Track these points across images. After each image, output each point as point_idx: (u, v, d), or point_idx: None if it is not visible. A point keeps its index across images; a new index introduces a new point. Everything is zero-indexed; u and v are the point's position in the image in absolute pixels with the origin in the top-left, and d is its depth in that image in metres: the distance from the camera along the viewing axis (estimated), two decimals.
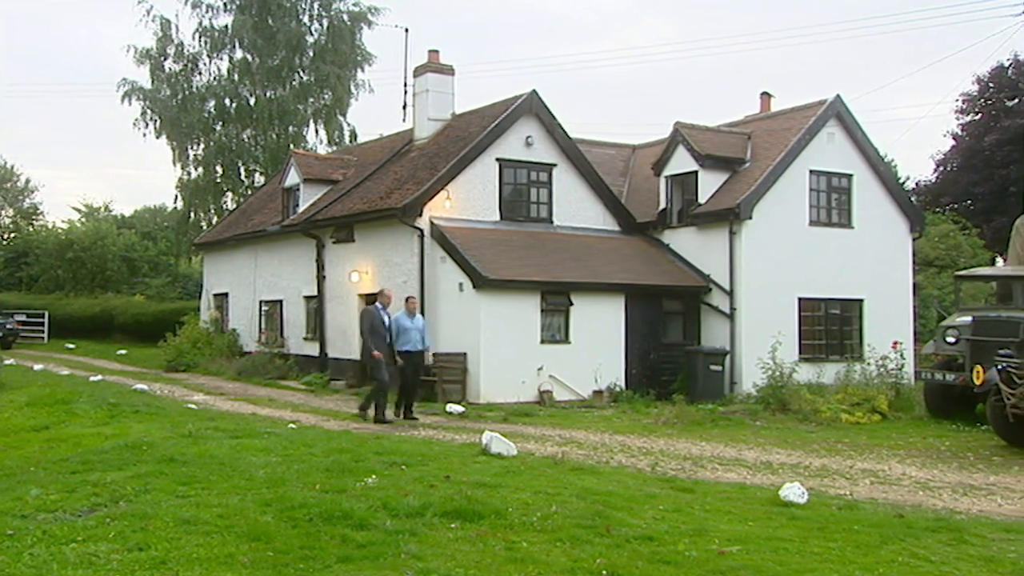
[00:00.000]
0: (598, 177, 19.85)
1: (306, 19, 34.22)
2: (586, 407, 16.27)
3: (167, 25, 33.83)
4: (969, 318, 14.49)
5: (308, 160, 24.01)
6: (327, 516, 5.93)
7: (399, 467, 8.06)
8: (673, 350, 18.08)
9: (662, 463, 9.97)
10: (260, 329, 23.46)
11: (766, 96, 22.16)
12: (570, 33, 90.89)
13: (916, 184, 35.23)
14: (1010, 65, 31.97)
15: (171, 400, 15.46)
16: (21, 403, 13.66)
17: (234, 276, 25.16)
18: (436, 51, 20.98)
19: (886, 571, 5.41)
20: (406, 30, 27.59)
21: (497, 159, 18.57)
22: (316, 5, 34.18)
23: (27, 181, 48.59)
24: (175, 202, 36.19)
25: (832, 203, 19.35)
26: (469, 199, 18.23)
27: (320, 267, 20.78)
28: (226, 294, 25.70)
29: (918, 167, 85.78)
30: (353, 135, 34.90)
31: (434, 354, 17.19)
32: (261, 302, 23.67)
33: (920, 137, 66.65)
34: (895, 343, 17.28)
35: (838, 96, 19.40)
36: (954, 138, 34.15)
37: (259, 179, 34.10)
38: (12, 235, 46.52)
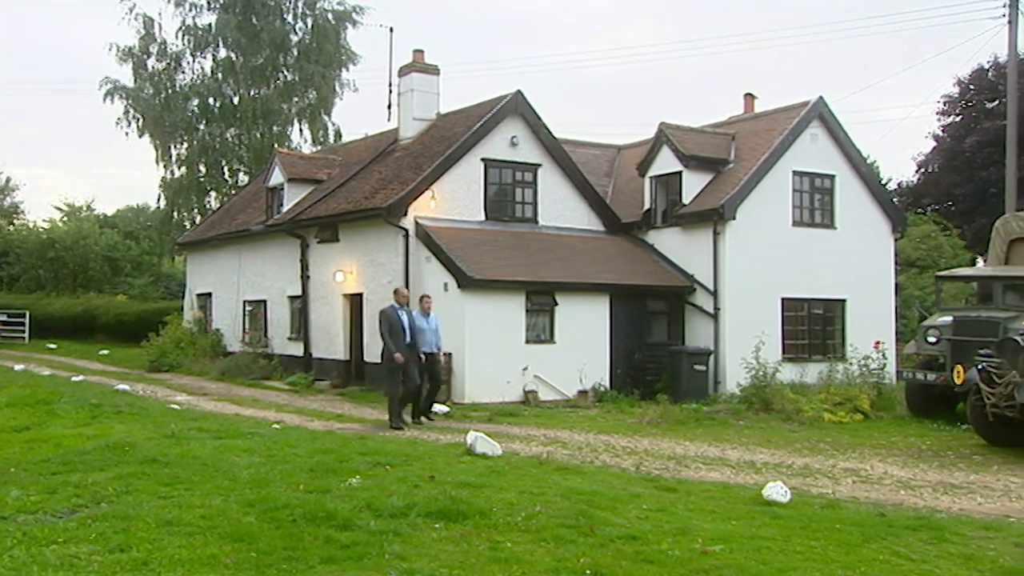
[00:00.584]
0: (583, 177, 19.89)
1: (290, 18, 34.13)
2: (571, 407, 16.30)
3: (150, 23, 33.65)
4: (950, 318, 14.62)
5: (292, 159, 23.92)
6: (311, 517, 5.91)
7: (383, 467, 8.05)
8: (657, 350, 18.14)
9: (646, 463, 10.01)
10: (244, 329, 23.36)
11: (749, 97, 22.26)
12: (557, 33, 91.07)
13: (898, 185, 35.49)
14: (990, 68, 32.25)
15: (154, 400, 15.37)
16: (1, 404, 13.54)
17: (218, 276, 25.03)
18: (421, 51, 20.97)
19: (867, 569, 5.45)
20: (391, 29, 27.57)
21: (482, 159, 18.57)
22: (300, 4, 34.09)
23: (7, 180, 48.18)
24: (158, 201, 36.02)
25: (815, 204, 19.47)
26: (454, 199, 18.22)
27: (304, 267, 20.71)
28: (209, 294, 25.57)
29: (900, 168, 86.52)
30: (338, 134, 34.83)
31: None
32: (245, 302, 23.56)
33: (902, 138, 67.27)
34: (877, 343, 17.41)
35: (821, 97, 19.53)
36: (935, 139, 34.43)
37: (243, 178, 33.96)
38: None
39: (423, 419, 13.45)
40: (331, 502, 6.31)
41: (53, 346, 31.30)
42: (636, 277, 18.51)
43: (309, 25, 34.05)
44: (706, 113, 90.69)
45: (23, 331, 33.96)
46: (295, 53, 33.91)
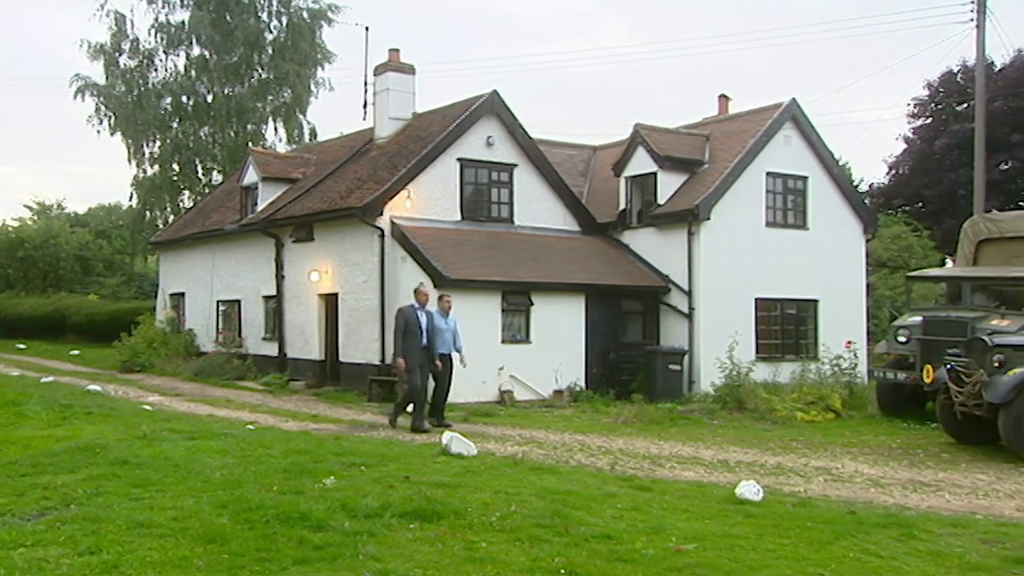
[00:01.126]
0: (559, 177, 19.94)
1: (265, 16, 33.91)
2: (546, 407, 16.33)
3: (121, 20, 33.29)
4: (919, 318, 14.83)
5: (267, 158, 23.78)
6: (284, 518, 5.88)
7: (358, 468, 8.02)
8: (633, 350, 18.23)
9: (621, 462, 10.05)
10: (217, 329, 23.18)
11: (724, 98, 22.43)
12: (533, 33, 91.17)
13: (869, 186, 35.88)
14: (959, 71, 32.71)
15: (125, 401, 15.20)
16: None
17: (191, 275, 24.82)
18: (397, 50, 20.91)
19: (838, 567, 5.50)
20: (366, 28, 27.49)
21: (458, 159, 18.56)
22: (275, 2, 33.89)
23: None
24: (130, 200, 35.63)
25: (788, 205, 19.65)
26: (430, 199, 18.20)
27: (279, 267, 20.59)
28: (182, 294, 25.35)
29: (872, 170, 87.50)
30: (313, 133, 34.65)
31: (394, 354, 17.12)
32: (219, 302, 23.38)
33: (874, 140, 68.07)
34: (848, 343, 17.61)
35: (794, 99, 19.72)
36: (906, 142, 34.86)
37: (217, 177, 33.69)
38: None
39: (433, 423, 12.73)
40: (305, 503, 6.28)
41: (23, 346, 30.84)
42: (611, 277, 18.58)
43: (284, 23, 33.85)
44: (681, 114, 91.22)
45: None
46: (270, 51, 33.69)
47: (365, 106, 25.26)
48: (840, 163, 24.23)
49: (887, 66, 58.82)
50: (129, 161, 34.00)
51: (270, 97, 34.18)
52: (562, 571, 5.14)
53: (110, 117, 33.35)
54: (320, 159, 23.37)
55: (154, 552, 5.14)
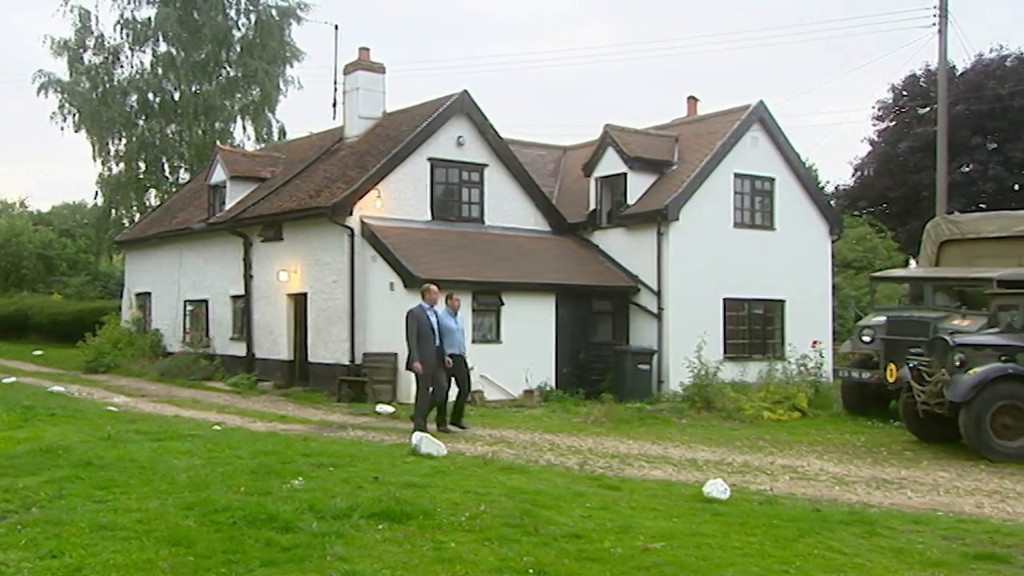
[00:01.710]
0: (529, 178, 19.98)
1: (233, 13, 33.51)
2: (517, 406, 16.35)
3: (86, 16, 32.77)
4: (883, 318, 15.06)
5: (235, 157, 23.57)
6: (251, 519, 5.84)
7: (327, 468, 7.98)
8: (603, 349, 18.31)
9: (590, 461, 10.10)
10: (185, 329, 22.93)
11: (692, 100, 22.62)
12: (504, 34, 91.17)
13: (835, 188, 36.33)
14: (922, 75, 33.24)
15: (90, 402, 14.99)
16: None
17: (157, 275, 24.53)
18: (367, 49, 20.83)
19: (803, 564, 5.57)
20: (336, 27, 27.40)
21: (428, 158, 18.53)
22: None
23: None
24: (95, 198, 35.15)
25: (755, 206, 19.85)
26: (400, 198, 18.14)
27: (247, 266, 20.42)
28: (149, 293, 25.04)
29: (837, 171, 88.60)
30: (282, 132, 34.36)
31: (364, 354, 17.09)
32: (186, 301, 23.13)
33: (840, 142, 68.93)
34: (814, 342, 17.83)
35: (761, 101, 19.92)
36: (871, 144, 35.33)
37: (184, 176, 33.30)
38: None
39: (452, 427, 12.44)
40: (272, 504, 6.24)
41: None
42: (582, 277, 18.65)
43: (252, 21, 33.51)
44: (650, 115, 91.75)
45: None
46: (238, 49, 33.31)
47: (335, 105, 25.12)
48: (806, 165, 24.57)
49: (852, 69, 59.66)
50: (94, 159, 33.47)
51: (238, 95, 33.82)
52: (531, 571, 5.16)
53: (74, 114, 32.80)
54: (289, 158, 23.21)
55: (118, 555, 5.08)
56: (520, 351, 17.22)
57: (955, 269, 15.53)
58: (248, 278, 20.39)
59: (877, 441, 12.50)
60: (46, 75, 32.78)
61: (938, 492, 8.79)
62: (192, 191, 26.19)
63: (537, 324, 17.64)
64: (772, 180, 19.95)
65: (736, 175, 19.42)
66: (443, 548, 5.52)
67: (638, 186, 19.35)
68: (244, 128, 34.47)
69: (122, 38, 33.04)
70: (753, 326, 19.60)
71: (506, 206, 19.47)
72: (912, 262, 27.85)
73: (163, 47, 33.14)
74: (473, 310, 16.92)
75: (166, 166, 34.26)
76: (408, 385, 16.19)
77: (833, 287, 21.45)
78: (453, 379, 12.55)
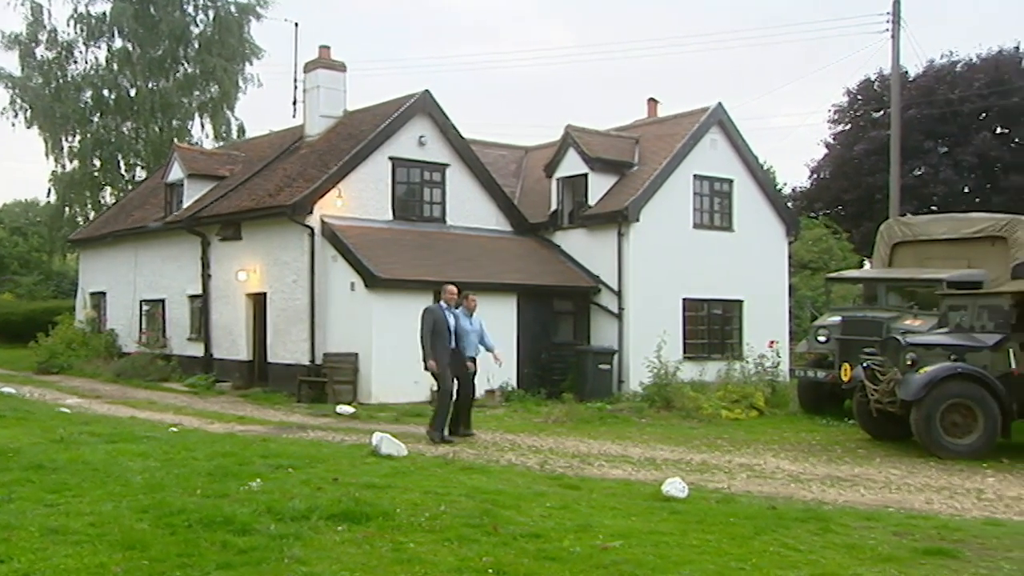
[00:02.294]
0: (491, 178, 20.00)
1: (191, 9, 33.08)
2: (478, 406, 16.27)
3: (38, 10, 32.13)
4: (838, 318, 15.31)
5: (193, 155, 23.30)
6: (207, 522, 5.76)
7: (285, 470, 7.91)
8: (564, 349, 18.38)
9: (551, 461, 10.14)
10: (141, 329, 22.59)
11: (653, 102, 22.81)
12: (467, 34, 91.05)
13: (792, 190, 36.87)
14: (876, 80, 33.89)
15: (42, 404, 14.68)
16: None
17: (113, 274, 24.12)
18: (327, 47, 20.69)
19: (758, 561, 5.64)
20: (296, 24, 27.23)
21: (390, 158, 18.46)
22: None
23: None
24: (48, 196, 34.40)
25: (714, 207, 20.08)
26: (361, 198, 18.05)
27: (205, 265, 20.18)
28: (104, 293, 24.63)
29: (794, 173, 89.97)
30: (241, 130, 33.99)
31: (324, 354, 16.98)
32: (142, 301, 22.79)
33: (797, 145, 69.99)
34: (771, 342, 18.06)
35: (720, 104, 20.15)
36: (827, 147, 35.93)
37: (140, 174, 32.81)
38: None
39: (452, 435, 11.81)
40: (229, 506, 6.17)
41: None
42: (543, 277, 18.71)
43: (211, 17, 33.09)
44: (611, 116, 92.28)
45: None
46: (196, 45, 32.89)
47: (295, 103, 24.95)
48: (764, 167, 24.86)
49: (809, 73, 60.64)
50: (47, 156, 32.84)
51: (196, 92, 33.38)
52: (490, 570, 5.16)
53: (26, 110, 32.14)
54: (248, 156, 22.98)
55: (69, 560, 4.98)
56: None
57: (907, 270, 15.83)
58: (206, 277, 20.15)
59: (832, 439, 12.70)
60: None
61: (890, 489, 8.95)
62: (148, 189, 25.83)
63: (499, 324, 17.56)
64: (731, 182, 20.19)
65: (695, 176, 19.62)
66: (402, 549, 5.51)
67: (599, 187, 19.46)
68: (202, 126, 34.10)
69: (76, 33, 32.48)
70: (712, 326, 19.83)
71: (468, 206, 19.47)
72: (866, 263, 28.36)
73: (118, 43, 32.62)
74: None
75: (122, 164, 33.71)
76: (368, 385, 16.19)
77: (790, 288, 21.77)
78: (462, 384, 11.95)
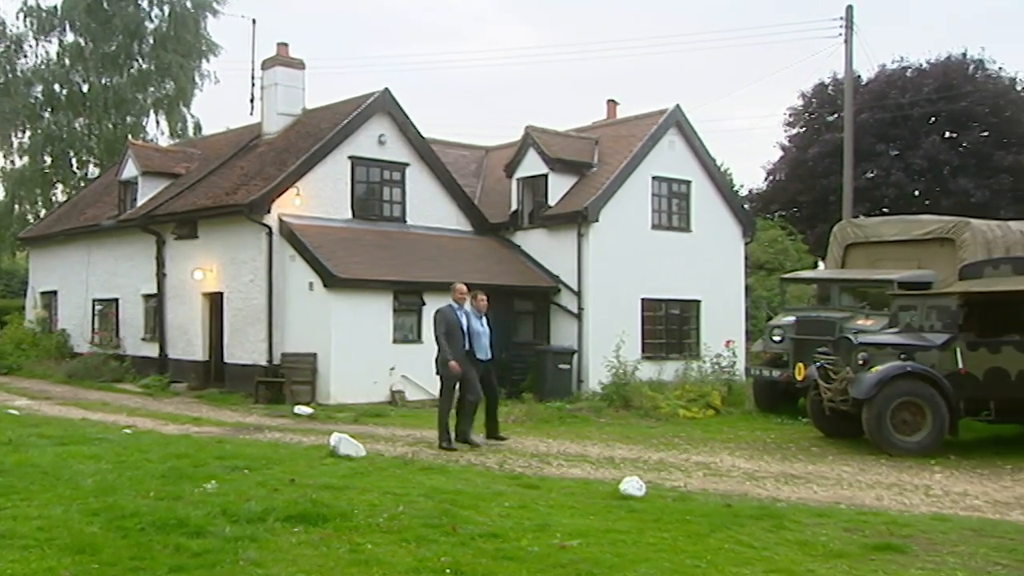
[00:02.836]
0: (451, 177, 19.97)
1: (145, 4, 32.53)
2: (435, 406, 16.29)
3: None
4: (793, 318, 15.53)
5: (147, 152, 22.94)
6: (160, 524, 5.69)
7: (242, 471, 7.84)
8: (524, 349, 18.42)
9: (510, 461, 10.16)
10: (93, 329, 22.19)
11: (612, 103, 22.98)
12: (427, 33, 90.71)
13: (749, 191, 37.34)
14: (830, 83, 34.48)
15: None
16: None
17: (64, 273, 23.64)
18: (285, 44, 20.50)
19: (713, 558, 5.71)
20: (253, 21, 26.94)
21: (349, 157, 18.35)
22: None
23: None
24: None
25: (672, 208, 20.27)
26: (320, 197, 17.91)
27: (160, 264, 19.87)
28: (55, 292, 24.12)
29: (751, 175, 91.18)
30: (197, 127, 33.50)
31: (282, 354, 16.83)
32: (95, 301, 22.37)
33: (753, 147, 70.95)
34: (728, 342, 18.30)
35: (677, 106, 20.34)
36: (782, 149, 36.42)
37: (93, 171, 32.20)
38: None
39: (476, 439, 11.35)
40: (183, 508, 6.10)
41: None
42: (503, 277, 18.73)
43: (166, 12, 32.56)
44: (571, 117, 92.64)
45: None
46: (151, 41, 32.35)
47: (252, 101, 24.66)
48: (721, 168, 25.19)
49: (765, 76, 61.52)
50: None
51: (151, 88, 32.84)
52: (448, 570, 5.17)
53: None
54: (205, 154, 22.68)
55: (16, 564, 4.88)
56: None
57: (859, 271, 16.10)
58: (161, 277, 19.85)
59: (786, 437, 12.89)
60: None
61: (841, 486, 9.11)
62: (102, 187, 25.36)
63: None
64: (688, 183, 20.40)
65: (654, 178, 19.80)
66: (360, 550, 5.49)
67: (559, 187, 19.55)
68: (157, 123, 33.57)
69: (26, 26, 31.84)
70: (670, 326, 20.01)
71: (428, 206, 19.42)
72: (821, 264, 28.85)
73: (70, 37, 32.02)
74: (394, 310, 16.85)
75: (74, 160, 33.10)
76: (326, 385, 16.08)
77: (746, 288, 22.06)
78: (484, 388, 11.47)
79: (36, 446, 8.86)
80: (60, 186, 33.13)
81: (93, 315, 22.42)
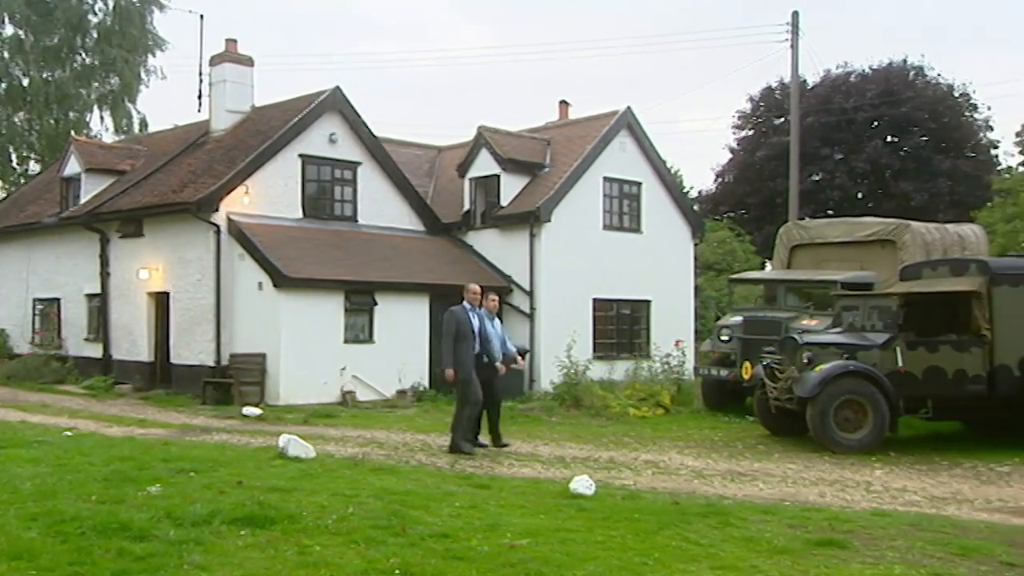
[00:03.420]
0: (403, 177, 19.89)
1: None
2: (389, 407, 16.26)
3: None
4: (740, 318, 15.78)
5: (91, 148, 22.44)
6: (102, 529, 5.57)
7: (187, 474, 7.72)
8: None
9: (461, 461, 10.16)
10: (34, 329, 21.65)
11: (564, 104, 23.10)
12: (379, 32, 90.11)
13: (698, 193, 37.86)
14: (777, 87, 35.13)
15: None
16: None
17: (3, 271, 23.02)
18: (234, 40, 20.19)
19: (661, 555, 5.78)
20: (201, 16, 26.40)
21: (300, 155, 18.16)
22: None
23: None
24: None
25: (623, 209, 20.45)
26: (270, 195, 17.70)
27: (104, 263, 19.47)
28: None
29: (700, 177, 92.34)
30: (143, 124, 32.80)
31: (231, 355, 16.60)
32: (35, 300, 21.82)
33: (703, 149, 71.92)
34: (677, 341, 18.51)
35: (628, 108, 20.53)
36: (731, 151, 37.00)
37: (34, 167, 31.36)
38: None
39: (486, 444, 11.14)
40: (126, 512, 5.98)
41: None
42: (456, 277, 18.65)
43: (110, 6, 31.83)
44: (523, 118, 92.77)
45: None
46: (95, 35, 31.59)
47: (200, 97, 24.21)
48: (672, 170, 25.46)
49: (716, 79, 62.37)
50: None
51: (95, 84, 32.08)
52: (397, 572, 5.16)
53: None
54: (151, 151, 22.26)
55: None
56: (393, 351, 17.12)
57: (804, 272, 16.41)
58: (105, 276, 19.44)
59: (733, 436, 13.08)
60: None
61: (786, 483, 9.28)
62: (43, 183, 24.73)
63: (411, 324, 17.58)
64: (639, 184, 20.60)
65: (605, 179, 19.95)
66: (308, 552, 5.45)
67: (511, 187, 19.59)
68: (102, 119, 32.81)
69: None
70: (621, 326, 20.19)
71: (380, 205, 19.32)
72: (768, 265, 29.34)
73: (9, 30, 31.13)
74: (345, 310, 16.74)
75: (14, 156, 32.23)
76: (276, 386, 15.90)
77: (695, 288, 22.34)
78: (489, 391, 11.12)
79: None
80: None
81: (34, 315, 21.88)
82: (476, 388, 10.73)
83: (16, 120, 31.60)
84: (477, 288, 11.29)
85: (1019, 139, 28.48)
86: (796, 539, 6.37)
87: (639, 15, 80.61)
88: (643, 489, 8.62)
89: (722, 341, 15.86)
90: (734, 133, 36.83)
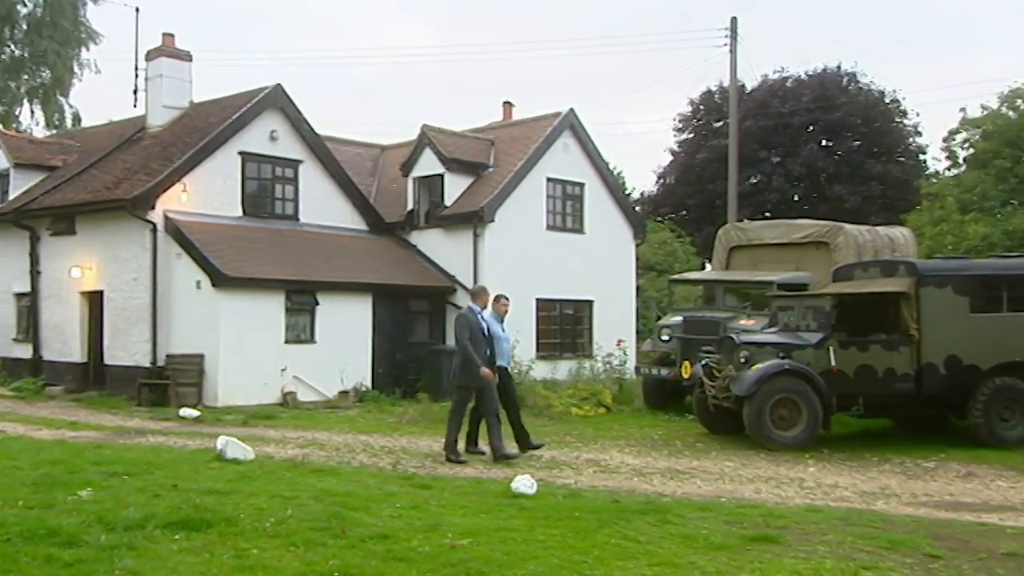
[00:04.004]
0: (346, 175, 19.72)
1: None
2: (331, 408, 16.11)
3: None
4: (680, 318, 16.02)
5: (20, 143, 21.76)
6: (29, 535, 5.42)
7: (120, 477, 7.55)
8: (419, 349, 18.37)
9: (403, 461, 10.13)
10: None
11: (508, 105, 23.16)
12: (321, 29, 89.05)
13: (640, 194, 38.29)
14: (716, 91, 35.73)
15: None
16: None
17: None
18: (171, 35, 19.78)
19: (600, 553, 5.84)
20: (137, 10, 25.78)
21: (239, 152, 17.87)
22: None
23: None
24: None
25: (567, 209, 20.60)
26: (208, 193, 17.38)
27: (34, 261, 18.90)
28: None
29: (642, 179, 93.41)
30: (76, 118, 31.92)
31: (167, 355, 16.26)
32: None
33: (645, 151, 72.75)
34: (619, 341, 18.72)
35: (572, 109, 20.68)
36: (672, 154, 37.50)
37: None
38: None
39: (513, 451, 10.66)
40: (55, 517, 5.83)
41: None
42: (399, 277, 18.63)
43: None
44: (467, 118, 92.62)
45: None
46: (24, 27, 30.60)
47: (136, 92, 23.61)
48: (614, 172, 25.72)
49: (657, 81, 63.19)
50: None
51: (25, 76, 31.10)
52: (336, 574, 5.13)
53: None
54: (84, 146, 21.65)
55: None
56: (335, 351, 16.97)
57: (742, 273, 16.71)
58: (35, 274, 18.87)
59: (673, 434, 13.25)
60: None
61: (724, 480, 9.46)
62: None
63: (353, 324, 17.44)
64: (582, 185, 20.76)
65: (549, 179, 20.06)
66: (245, 556, 5.38)
67: (455, 187, 19.58)
68: (32, 112, 31.88)
69: None
70: (564, 326, 20.32)
71: (322, 204, 19.12)
72: (708, 265, 29.80)
73: None
74: (286, 310, 16.54)
75: None
76: (214, 387, 15.63)
77: (637, 288, 22.59)
78: (505, 395, 10.78)
79: None
80: None
81: None
82: (494, 392, 10.43)
83: None
84: (486, 289, 11.12)
85: (945, 145, 29.45)
86: (732, 535, 6.50)
87: (585, 18, 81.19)
88: (584, 488, 8.69)
89: (663, 341, 16.05)
90: (675, 136, 37.37)
